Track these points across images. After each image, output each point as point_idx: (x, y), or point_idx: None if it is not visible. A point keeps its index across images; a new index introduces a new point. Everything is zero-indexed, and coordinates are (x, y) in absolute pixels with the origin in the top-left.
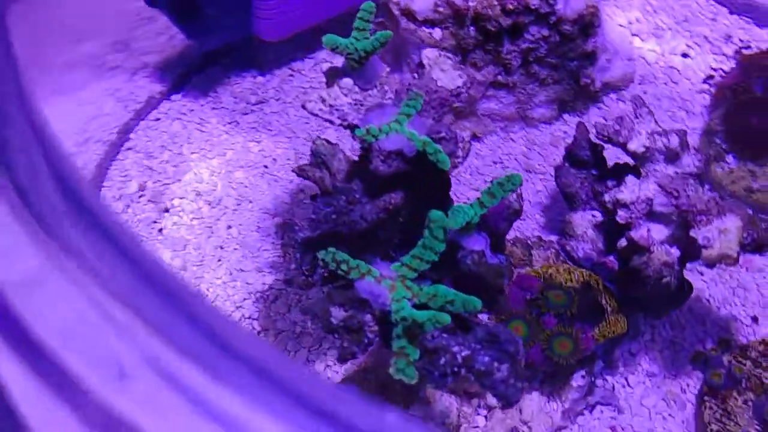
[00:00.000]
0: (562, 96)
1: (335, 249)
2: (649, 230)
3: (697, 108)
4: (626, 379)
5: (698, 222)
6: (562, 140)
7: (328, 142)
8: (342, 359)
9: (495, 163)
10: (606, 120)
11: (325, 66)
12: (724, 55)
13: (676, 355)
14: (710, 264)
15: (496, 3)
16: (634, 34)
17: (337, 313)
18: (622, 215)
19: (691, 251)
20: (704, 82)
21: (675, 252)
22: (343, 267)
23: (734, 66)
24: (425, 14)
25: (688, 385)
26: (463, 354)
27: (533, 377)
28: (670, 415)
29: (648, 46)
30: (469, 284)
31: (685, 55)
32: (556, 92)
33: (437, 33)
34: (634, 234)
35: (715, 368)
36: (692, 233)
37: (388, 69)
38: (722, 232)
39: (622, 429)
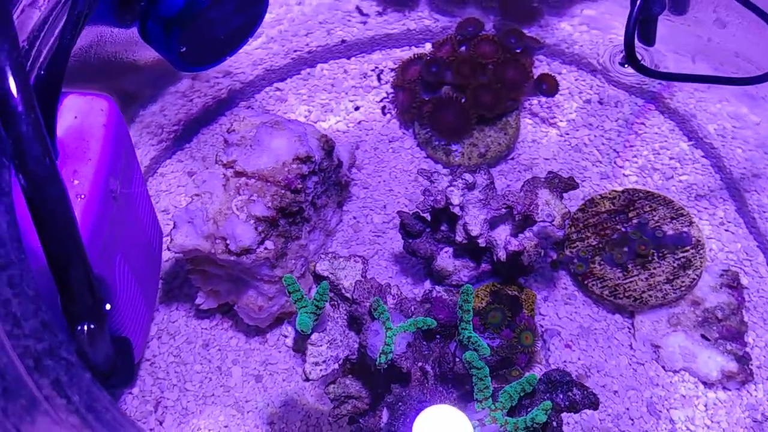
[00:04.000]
0: (337, 201)
1: None
2: (517, 237)
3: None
4: (557, 314)
5: (533, 210)
6: (359, 224)
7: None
8: None
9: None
10: (424, 196)
11: (289, 342)
12: (374, 87)
13: (546, 279)
14: (560, 227)
15: (284, 191)
16: (315, 122)
17: None
18: (481, 241)
19: (530, 223)
20: (383, 113)
21: (531, 235)
22: None
23: (392, 91)
24: (252, 240)
25: (565, 284)
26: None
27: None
28: (577, 309)
29: (333, 122)
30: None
31: (357, 108)
32: (334, 202)
33: (270, 245)
34: (511, 247)
35: (572, 263)
36: (537, 218)
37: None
38: (548, 204)
39: (572, 342)
